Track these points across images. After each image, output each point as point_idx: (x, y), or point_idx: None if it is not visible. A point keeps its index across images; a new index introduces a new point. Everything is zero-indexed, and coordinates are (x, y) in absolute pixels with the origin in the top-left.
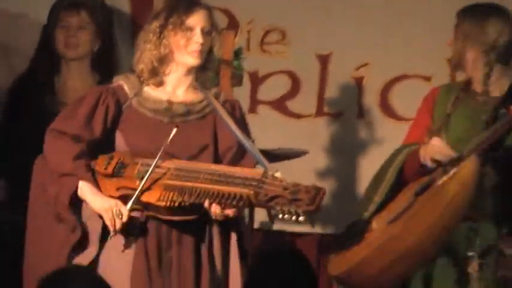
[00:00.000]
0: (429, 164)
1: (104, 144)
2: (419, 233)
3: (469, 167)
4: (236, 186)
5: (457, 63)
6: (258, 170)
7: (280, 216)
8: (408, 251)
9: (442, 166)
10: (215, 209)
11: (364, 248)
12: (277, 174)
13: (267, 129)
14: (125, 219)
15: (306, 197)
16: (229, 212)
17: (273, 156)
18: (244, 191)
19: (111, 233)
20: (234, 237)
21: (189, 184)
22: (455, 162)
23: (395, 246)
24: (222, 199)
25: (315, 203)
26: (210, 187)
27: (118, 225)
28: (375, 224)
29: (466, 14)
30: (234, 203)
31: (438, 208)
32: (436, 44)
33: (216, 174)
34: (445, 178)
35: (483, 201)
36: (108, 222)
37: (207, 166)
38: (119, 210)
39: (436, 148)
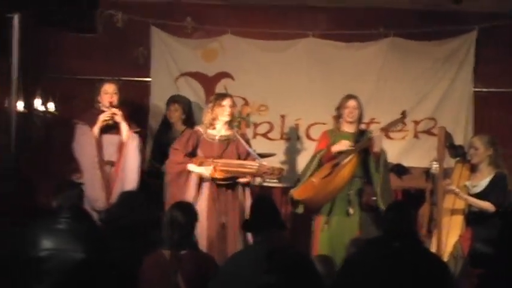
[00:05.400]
0: (343, 149)
1: (193, 154)
2: (337, 182)
3: (356, 157)
4: (248, 169)
5: (338, 117)
6: (256, 162)
7: (267, 180)
8: (333, 189)
9: (344, 153)
10: (241, 180)
11: (315, 187)
12: (264, 163)
13: (260, 146)
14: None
15: (276, 173)
16: (248, 179)
17: (263, 155)
18: (251, 171)
19: (205, 183)
20: (248, 188)
21: (229, 169)
22: (349, 153)
23: (329, 187)
24: (243, 174)
25: (281, 175)
26: (238, 170)
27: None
28: (314, 179)
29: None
30: (248, 176)
31: (344, 173)
32: (329, 109)
33: (239, 164)
34: (346, 161)
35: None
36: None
37: (234, 161)
38: (206, 175)
39: (343, 145)
